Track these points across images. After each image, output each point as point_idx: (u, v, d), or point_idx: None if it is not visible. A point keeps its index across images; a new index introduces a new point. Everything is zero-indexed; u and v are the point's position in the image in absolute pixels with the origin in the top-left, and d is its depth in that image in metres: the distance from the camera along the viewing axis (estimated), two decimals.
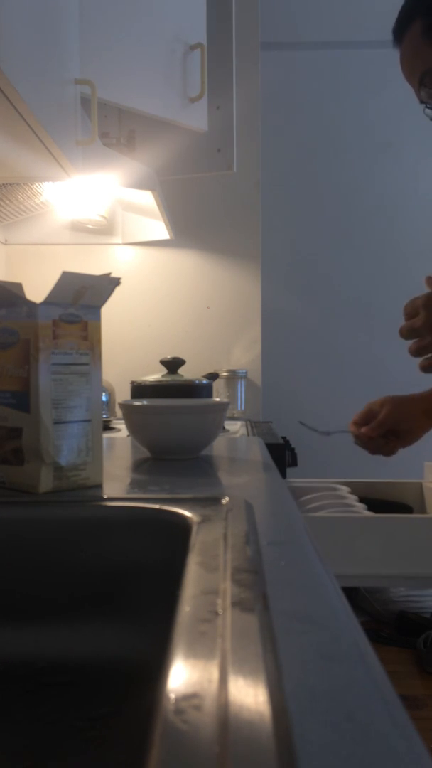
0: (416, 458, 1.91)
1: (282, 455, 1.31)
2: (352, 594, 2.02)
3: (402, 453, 1.29)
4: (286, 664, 0.27)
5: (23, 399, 0.65)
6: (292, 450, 1.61)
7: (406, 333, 1.04)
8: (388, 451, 1.23)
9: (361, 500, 1.61)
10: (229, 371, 1.94)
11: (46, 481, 0.65)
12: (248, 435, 1.44)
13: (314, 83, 2.68)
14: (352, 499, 1.60)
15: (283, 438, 1.55)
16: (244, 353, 2.02)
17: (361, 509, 1.54)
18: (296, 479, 1.82)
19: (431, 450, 2.04)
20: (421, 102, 1.12)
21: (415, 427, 1.24)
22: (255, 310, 2.02)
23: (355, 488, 1.72)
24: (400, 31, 1.05)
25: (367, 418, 1.22)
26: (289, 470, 1.48)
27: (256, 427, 1.65)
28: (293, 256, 2.70)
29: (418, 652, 1.79)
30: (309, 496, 1.54)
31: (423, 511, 1.79)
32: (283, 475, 1.34)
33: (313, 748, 0.21)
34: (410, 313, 1.06)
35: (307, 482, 1.73)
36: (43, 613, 0.58)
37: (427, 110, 1.12)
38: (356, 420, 1.23)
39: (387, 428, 1.20)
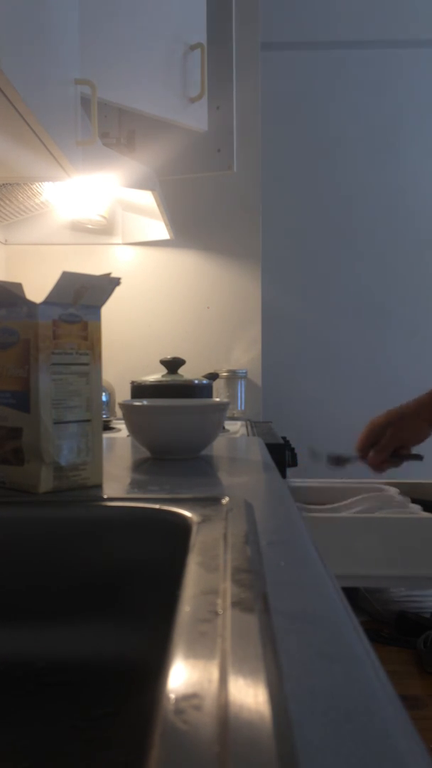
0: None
1: (282, 455, 1.31)
2: (352, 594, 2.01)
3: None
4: (286, 664, 0.27)
5: (23, 399, 0.65)
6: (292, 450, 1.61)
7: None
8: (397, 466, 1.26)
9: (413, 501, 1.60)
10: (229, 371, 1.94)
11: (46, 481, 0.65)
12: (248, 435, 1.44)
13: (314, 83, 2.68)
14: (404, 500, 1.59)
15: (283, 438, 1.55)
16: (244, 353, 2.02)
17: (417, 510, 1.53)
18: (297, 479, 1.82)
19: None
20: None
21: (421, 438, 1.26)
22: (255, 310, 2.02)
23: (404, 489, 1.71)
24: None
25: (370, 439, 1.24)
26: (289, 470, 1.48)
27: (256, 427, 1.65)
28: (293, 256, 2.69)
29: (418, 652, 1.79)
30: (355, 498, 1.54)
31: None
32: (283, 475, 1.34)
33: (313, 748, 0.21)
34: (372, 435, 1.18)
35: (348, 483, 1.72)
36: (43, 613, 0.58)
37: None
38: (362, 443, 1.25)
39: (392, 449, 1.23)
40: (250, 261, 2.02)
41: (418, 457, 1.30)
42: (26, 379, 0.65)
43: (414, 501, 1.60)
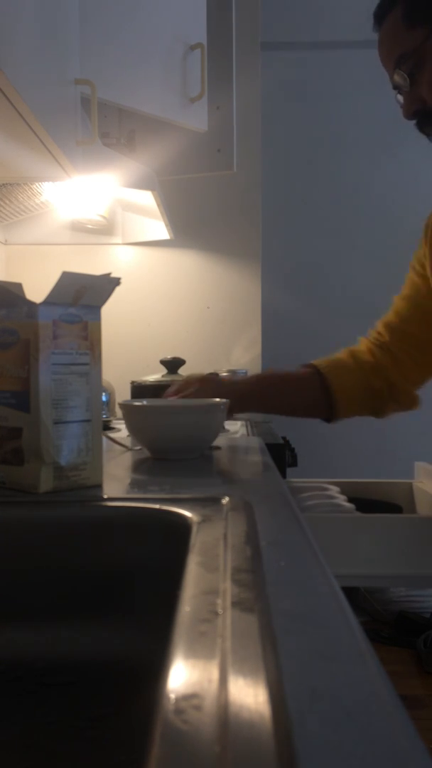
0: (410, 458, 1.92)
1: (282, 455, 1.31)
2: (352, 594, 2.02)
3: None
4: (286, 664, 0.27)
5: (23, 399, 0.65)
6: (292, 450, 1.61)
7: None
8: None
9: (352, 500, 1.62)
10: (229, 371, 1.94)
11: (46, 481, 0.65)
12: (248, 435, 1.44)
13: (314, 83, 2.67)
14: (342, 498, 1.60)
15: (283, 438, 1.55)
16: (244, 353, 2.02)
17: (350, 509, 1.54)
18: (296, 479, 1.82)
19: (422, 450, 2.04)
20: (394, 88, 1.12)
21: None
22: (255, 310, 2.02)
23: (345, 488, 1.72)
24: (381, 15, 1.07)
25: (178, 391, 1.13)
26: (289, 470, 1.48)
27: (256, 427, 1.65)
28: (293, 256, 2.69)
29: (418, 652, 1.79)
30: (299, 496, 1.54)
31: (413, 510, 1.79)
32: (283, 475, 1.34)
33: (313, 748, 0.21)
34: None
35: (299, 482, 1.73)
36: (43, 613, 0.58)
37: (398, 96, 1.13)
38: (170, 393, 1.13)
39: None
40: (250, 261, 2.02)
41: None
42: (26, 379, 0.65)
43: (352, 500, 1.61)
